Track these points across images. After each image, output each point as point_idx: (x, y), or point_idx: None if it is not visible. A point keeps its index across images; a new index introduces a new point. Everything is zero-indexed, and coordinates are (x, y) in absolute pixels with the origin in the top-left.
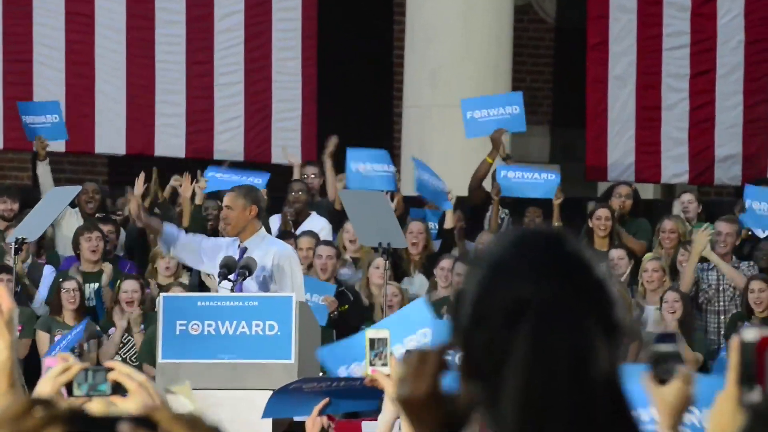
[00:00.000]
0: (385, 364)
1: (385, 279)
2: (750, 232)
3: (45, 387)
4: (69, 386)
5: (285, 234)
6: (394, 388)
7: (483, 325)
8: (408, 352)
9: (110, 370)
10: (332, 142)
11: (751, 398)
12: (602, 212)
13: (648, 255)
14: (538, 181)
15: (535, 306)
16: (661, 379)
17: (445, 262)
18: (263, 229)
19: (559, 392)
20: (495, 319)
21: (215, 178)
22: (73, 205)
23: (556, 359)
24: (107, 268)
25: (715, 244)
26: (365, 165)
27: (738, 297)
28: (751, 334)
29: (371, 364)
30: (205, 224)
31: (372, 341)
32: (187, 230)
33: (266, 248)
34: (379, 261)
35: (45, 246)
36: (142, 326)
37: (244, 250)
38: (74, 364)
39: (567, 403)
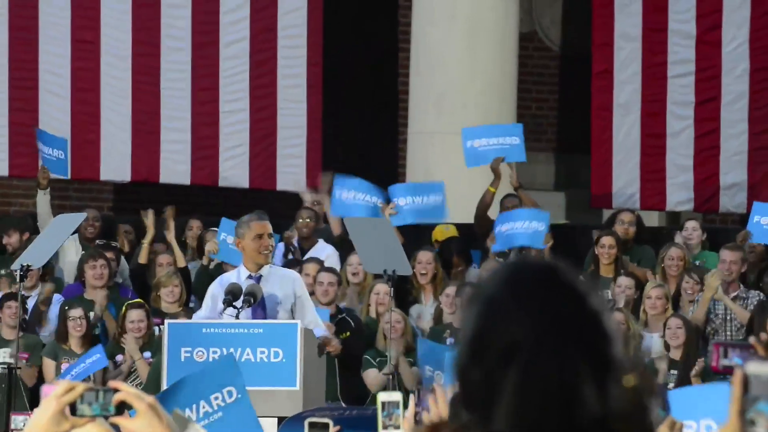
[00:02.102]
0: (397, 427)
1: (390, 306)
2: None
3: (49, 406)
4: (72, 406)
5: (292, 261)
6: None
7: (477, 363)
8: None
9: (117, 391)
10: (327, 180)
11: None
12: (607, 240)
13: (651, 282)
14: (527, 231)
15: (524, 348)
16: None
17: (451, 289)
18: None
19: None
20: (488, 359)
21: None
22: (73, 231)
23: (543, 402)
24: (99, 295)
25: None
26: (349, 193)
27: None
28: (754, 367)
29: (384, 428)
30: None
31: (384, 404)
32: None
33: (280, 276)
34: (379, 287)
35: (49, 273)
36: (147, 354)
37: (258, 279)
38: (78, 383)
39: None
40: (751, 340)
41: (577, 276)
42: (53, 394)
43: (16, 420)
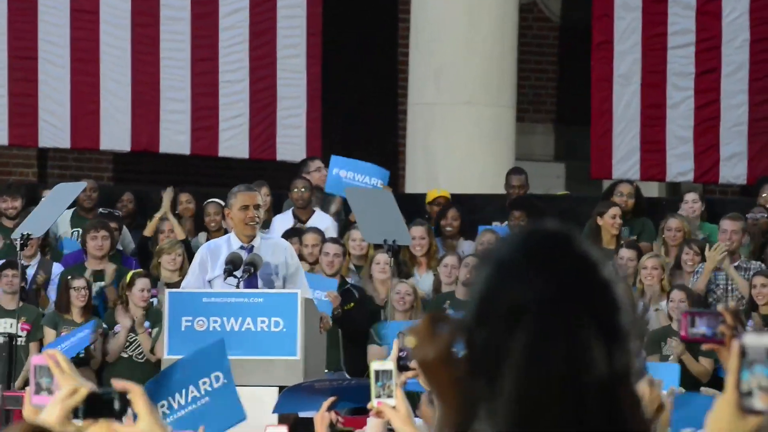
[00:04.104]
0: (390, 396)
1: (389, 276)
2: None
3: (53, 412)
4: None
5: (291, 231)
6: (399, 421)
7: (485, 324)
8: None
9: (122, 393)
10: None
11: (750, 403)
12: (615, 210)
13: (647, 254)
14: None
15: (533, 309)
16: None
17: (449, 259)
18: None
19: (551, 397)
20: (496, 320)
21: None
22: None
23: (550, 363)
24: (110, 267)
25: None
26: (347, 172)
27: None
28: (750, 338)
29: (377, 396)
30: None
31: (377, 373)
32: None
33: (272, 245)
34: (380, 257)
35: (49, 243)
36: (147, 324)
37: (250, 250)
38: (81, 386)
39: (559, 408)
40: (719, 308)
41: (591, 245)
42: (56, 400)
43: (9, 399)
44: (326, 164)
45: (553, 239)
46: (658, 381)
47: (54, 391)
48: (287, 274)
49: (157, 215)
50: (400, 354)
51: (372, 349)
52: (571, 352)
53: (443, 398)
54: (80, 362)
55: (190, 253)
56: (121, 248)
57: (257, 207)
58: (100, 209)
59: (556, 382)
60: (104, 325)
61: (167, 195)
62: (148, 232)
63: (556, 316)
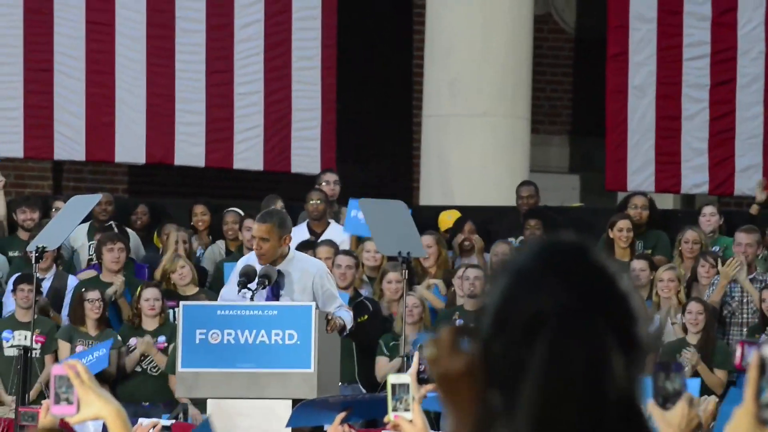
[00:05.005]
0: (407, 410)
1: (404, 288)
2: None
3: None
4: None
5: (304, 244)
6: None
7: (502, 334)
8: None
9: None
10: None
11: None
12: (624, 223)
13: (663, 265)
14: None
15: (553, 319)
16: (664, 407)
17: (462, 271)
18: (291, 250)
19: (572, 406)
20: (514, 329)
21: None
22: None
23: (571, 373)
24: (118, 279)
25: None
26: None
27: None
28: None
29: (393, 410)
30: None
31: (394, 387)
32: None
33: (301, 269)
34: (391, 275)
35: (61, 255)
36: (162, 338)
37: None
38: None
39: (579, 417)
40: None
41: (606, 257)
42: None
43: (24, 416)
44: (340, 174)
45: (569, 250)
46: (697, 400)
47: (73, 401)
48: (319, 298)
49: (166, 258)
50: (421, 367)
51: (380, 360)
52: (591, 361)
53: (459, 414)
54: (95, 376)
55: (200, 272)
56: (134, 257)
57: (263, 239)
58: (112, 222)
59: (575, 392)
60: (119, 338)
61: (172, 236)
62: (158, 275)
63: (576, 325)
